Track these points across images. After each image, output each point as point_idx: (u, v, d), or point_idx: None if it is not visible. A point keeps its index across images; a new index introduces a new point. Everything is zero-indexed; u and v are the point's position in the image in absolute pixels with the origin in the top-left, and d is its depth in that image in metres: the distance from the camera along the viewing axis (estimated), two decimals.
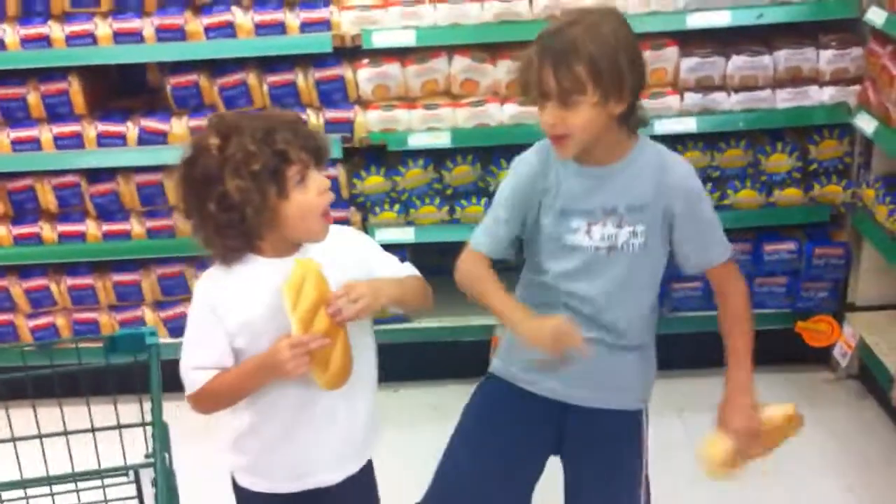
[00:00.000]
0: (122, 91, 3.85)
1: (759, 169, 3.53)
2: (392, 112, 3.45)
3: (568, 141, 1.98)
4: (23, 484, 1.52)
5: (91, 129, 3.50)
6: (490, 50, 3.46)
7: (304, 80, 3.48)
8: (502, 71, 3.43)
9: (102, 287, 3.70)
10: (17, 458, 1.81)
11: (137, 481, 1.52)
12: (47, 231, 3.62)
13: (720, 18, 3.31)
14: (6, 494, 1.65)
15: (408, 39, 3.35)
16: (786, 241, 3.63)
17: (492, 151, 3.55)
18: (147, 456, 1.50)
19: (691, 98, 3.42)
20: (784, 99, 3.42)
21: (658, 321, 2.27)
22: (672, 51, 3.40)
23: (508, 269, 2.31)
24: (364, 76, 3.44)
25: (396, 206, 3.57)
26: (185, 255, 3.61)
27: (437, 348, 3.79)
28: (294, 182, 1.86)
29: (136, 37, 3.36)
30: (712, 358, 3.86)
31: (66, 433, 1.79)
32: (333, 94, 3.49)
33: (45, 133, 3.49)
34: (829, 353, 3.69)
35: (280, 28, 3.36)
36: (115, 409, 1.89)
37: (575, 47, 1.88)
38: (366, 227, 3.55)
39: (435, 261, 4.13)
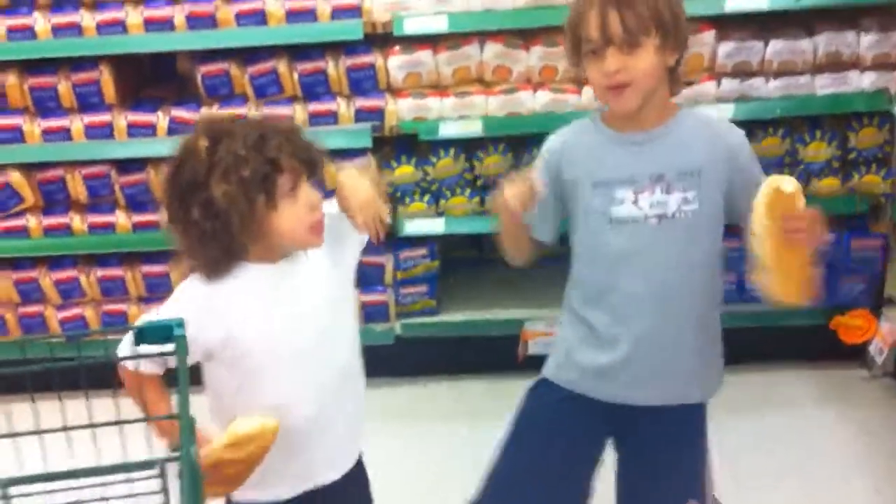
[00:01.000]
0: (152, 80, 3.84)
1: (796, 158, 3.46)
2: (423, 100, 3.41)
3: (629, 91, 1.94)
4: (49, 477, 1.50)
5: (121, 119, 3.49)
6: (523, 36, 3.41)
7: (334, 68, 3.44)
8: (535, 57, 3.38)
9: (132, 278, 3.69)
10: (43, 449, 1.79)
11: (163, 475, 1.50)
12: (77, 222, 3.62)
13: (758, 2, 3.23)
14: (31, 487, 1.63)
15: (440, 26, 3.30)
16: None
17: (523, 140, 3.50)
18: (173, 449, 1.48)
19: (728, 84, 3.35)
20: (823, 85, 3.35)
21: None
22: (709, 35, 3.34)
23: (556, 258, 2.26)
24: (395, 63, 3.40)
25: (427, 197, 3.54)
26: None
27: (466, 343, 3.75)
28: (284, 191, 1.78)
29: (166, 25, 3.35)
30: (744, 354, 3.82)
31: (92, 426, 1.76)
32: (364, 82, 3.46)
33: (76, 123, 3.48)
34: (864, 350, 3.60)
35: (311, 15, 3.33)
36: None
37: None
38: (395, 218, 3.51)
39: (465, 253, 4.14)
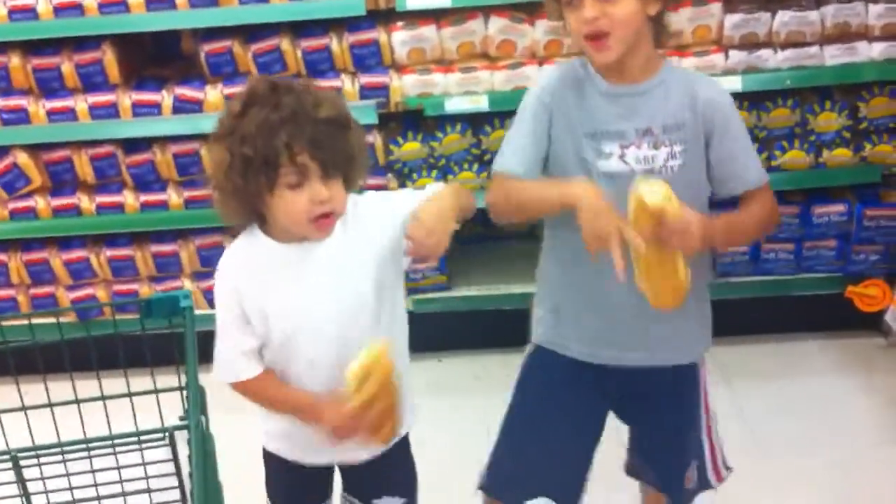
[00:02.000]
0: (155, 59, 3.82)
1: (807, 129, 3.43)
2: (428, 76, 3.39)
3: (609, 40, 1.90)
4: (61, 446, 1.50)
5: (126, 99, 3.47)
6: (527, 9, 3.38)
7: (338, 45, 3.42)
8: (540, 31, 3.36)
9: (142, 258, 3.69)
10: (55, 422, 1.81)
11: (172, 444, 1.50)
12: (85, 202, 3.61)
13: None
14: (46, 458, 1.64)
15: (443, 0, 3.27)
16: (835, 203, 3.54)
17: None
18: (181, 418, 1.48)
19: (736, 56, 3.32)
20: (833, 55, 3.32)
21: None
22: (716, 7, 3.31)
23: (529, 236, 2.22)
24: (399, 39, 3.38)
25: (434, 173, 3.52)
26: (224, 225, 3.58)
27: (480, 317, 3.74)
28: (287, 181, 1.73)
29: (168, 3, 3.33)
30: (761, 324, 3.81)
31: (103, 398, 1.78)
32: (368, 58, 3.44)
33: (81, 103, 3.47)
34: (880, 319, 3.59)
35: None
36: (152, 375, 1.87)
37: None
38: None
39: (474, 228, 4.12)
